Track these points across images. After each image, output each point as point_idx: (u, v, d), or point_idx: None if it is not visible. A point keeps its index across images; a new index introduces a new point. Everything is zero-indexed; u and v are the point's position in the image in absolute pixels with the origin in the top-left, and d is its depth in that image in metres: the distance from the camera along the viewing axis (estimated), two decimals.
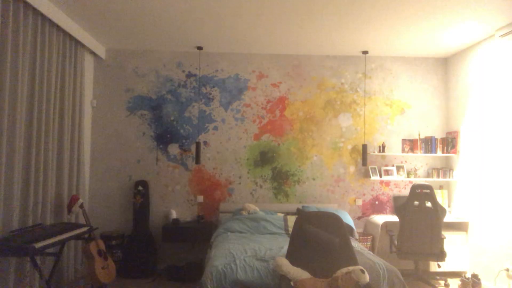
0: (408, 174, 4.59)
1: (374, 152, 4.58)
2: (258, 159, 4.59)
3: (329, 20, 3.57)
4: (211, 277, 2.58)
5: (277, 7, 3.29)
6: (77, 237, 3.11)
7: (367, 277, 2.33)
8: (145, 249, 4.22)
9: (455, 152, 4.43)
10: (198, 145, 4.28)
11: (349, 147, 4.65)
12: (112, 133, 4.51)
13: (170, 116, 4.57)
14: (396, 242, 3.81)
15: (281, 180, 4.60)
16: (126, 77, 4.57)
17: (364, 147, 4.32)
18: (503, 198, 3.63)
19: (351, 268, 2.38)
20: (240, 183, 4.57)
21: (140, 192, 4.35)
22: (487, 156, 3.89)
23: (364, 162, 4.31)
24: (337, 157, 4.64)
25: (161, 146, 4.54)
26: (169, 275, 4.06)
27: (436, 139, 4.51)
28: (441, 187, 4.57)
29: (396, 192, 4.66)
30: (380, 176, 4.57)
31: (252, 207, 4.21)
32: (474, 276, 3.68)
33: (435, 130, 4.69)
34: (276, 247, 3.22)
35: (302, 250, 2.62)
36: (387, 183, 4.66)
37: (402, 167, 4.63)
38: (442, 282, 3.88)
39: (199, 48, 4.48)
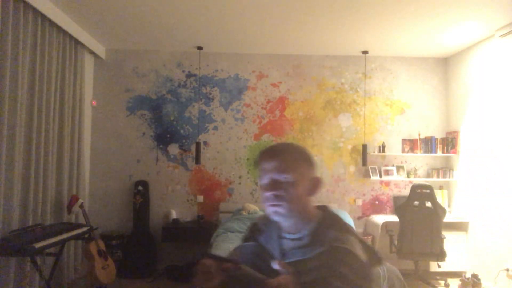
0: (408, 174, 4.58)
1: (374, 152, 4.58)
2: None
3: (329, 20, 3.57)
4: None
5: (277, 7, 3.29)
6: (77, 237, 3.11)
7: None
8: (145, 249, 4.22)
9: (455, 152, 4.43)
10: (198, 145, 4.28)
11: (349, 147, 4.64)
12: (112, 133, 4.51)
13: (170, 116, 4.57)
14: (396, 242, 3.81)
15: None
16: (126, 77, 4.57)
17: (364, 147, 4.32)
18: (503, 198, 3.63)
19: None
20: (240, 183, 4.57)
21: (140, 192, 4.35)
22: (487, 156, 3.89)
23: (364, 162, 4.31)
24: (337, 157, 4.64)
25: (161, 146, 4.54)
26: (169, 275, 4.05)
27: (436, 139, 4.51)
28: (441, 187, 4.57)
29: (396, 192, 4.66)
30: (380, 176, 4.57)
31: (252, 207, 4.21)
32: (474, 276, 3.68)
33: (435, 130, 4.68)
34: None
35: None
36: (387, 183, 4.65)
37: (402, 167, 4.62)
38: (442, 282, 3.88)
39: (199, 48, 4.48)
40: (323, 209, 1.14)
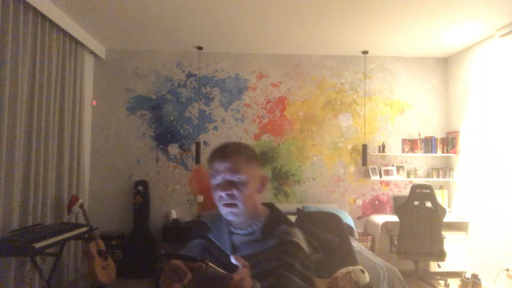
0: (408, 174, 4.58)
1: (374, 152, 4.58)
2: None
3: (329, 20, 3.57)
4: None
5: (277, 7, 3.29)
6: (77, 237, 3.10)
7: (367, 277, 2.33)
8: (145, 249, 4.22)
9: (455, 152, 4.43)
10: (198, 145, 4.28)
11: (349, 147, 4.65)
12: (112, 133, 4.51)
13: (170, 116, 4.57)
14: (396, 242, 3.81)
15: (281, 180, 4.59)
16: (126, 77, 4.57)
17: (364, 147, 4.32)
18: (503, 198, 3.63)
19: (351, 268, 2.38)
20: None
21: (140, 192, 4.35)
22: (487, 156, 3.89)
23: (364, 162, 4.31)
24: (337, 157, 4.64)
25: (161, 146, 4.54)
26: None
27: (436, 139, 4.51)
28: (441, 187, 4.57)
29: (396, 192, 4.66)
30: (380, 176, 4.57)
31: None
32: (474, 276, 3.68)
33: (435, 130, 4.68)
34: None
35: None
36: (387, 183, 4.65)
37: (402, 167, 4.62)
38: (442, 282, 3.88)
39: (199, 48, 4.48)
40: (270, 206, 1.23)
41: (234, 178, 1.07)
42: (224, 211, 1.10)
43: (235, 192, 1.07)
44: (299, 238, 1.12)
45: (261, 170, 1.16)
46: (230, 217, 1.11)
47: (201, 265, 0.87)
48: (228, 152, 1.10)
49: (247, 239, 1.12)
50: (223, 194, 1.07)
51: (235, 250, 1.11)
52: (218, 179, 1.08)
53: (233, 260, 0.92)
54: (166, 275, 0.87)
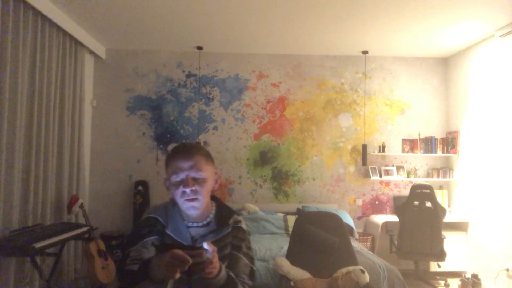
0: (408, 174, 4.58)
1: (374, 152, 4.58)
2: (258, 159, 4.59)
3: (329, 20, 3.57)
4: None
5: (277, 7, 3.29)
6: (77, 237, 3.11)
7: (367, 277, 2.33)
8: None
9: (455, 152, 4.43)
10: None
11: (349, 147, 4.64)
12: (112, 133, 4.51)
13: (170, 116, 4.57)
14: (396, 242, 3.81)
15: (281, 180, 4.59)
16: (126, 77, 4.57)
17: (364, 147, 4.32)
18: (503, 198, 3.63)
19: (351, 268, 2.38)
20: (240, 183, 4.57)
21: (140, 192, 4.35)
22: (487, 156, 3.89)
23: (364, 162, 4.31)
24: (337, 157, 4.64)
25: (161, 146, 4.54)
26: None
27: (436, 139, 4.51)
28: (441, 187, 4.57)
29: (396, 192, 4.66)
30: (380, 176, 4.57)
31: (252, 207, 4.21)
32: (474, 276, 3.68)
33: (435, 130, 4.68)
34: (276, 247, 3.22)
35: (302, 250, 2.62)
36: (387, 183, 4.65)
37: (402, 167, 4.62)
38: (442, 282, 3.88)
39: (199, 48, 4.48)
40: (214, 198, 1.39)
41: (197, 175, 1.19)
42: (186, 205, 1.20)
43: (197, 188, 1.19)
44: (244, 224, 1.34)
45: (215, 168, 1.33)
46: (191, 211, 1.22)
47: (201, 252, 0.97)
48: (191, 151, 1.21)
49: (204, 230, 1.26)
50: (187, 190, 1.17)
51: (193, 241, 1.22)
52: (181, 176, 1.19)
53: (205, 245, 1.00)
54: (169, 264, 0.94)
